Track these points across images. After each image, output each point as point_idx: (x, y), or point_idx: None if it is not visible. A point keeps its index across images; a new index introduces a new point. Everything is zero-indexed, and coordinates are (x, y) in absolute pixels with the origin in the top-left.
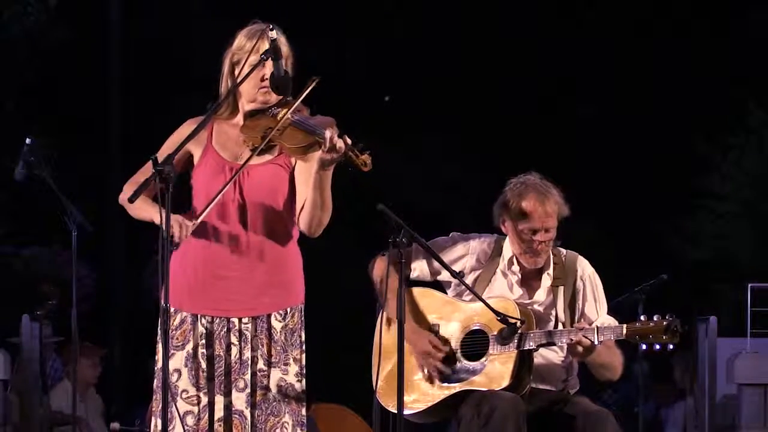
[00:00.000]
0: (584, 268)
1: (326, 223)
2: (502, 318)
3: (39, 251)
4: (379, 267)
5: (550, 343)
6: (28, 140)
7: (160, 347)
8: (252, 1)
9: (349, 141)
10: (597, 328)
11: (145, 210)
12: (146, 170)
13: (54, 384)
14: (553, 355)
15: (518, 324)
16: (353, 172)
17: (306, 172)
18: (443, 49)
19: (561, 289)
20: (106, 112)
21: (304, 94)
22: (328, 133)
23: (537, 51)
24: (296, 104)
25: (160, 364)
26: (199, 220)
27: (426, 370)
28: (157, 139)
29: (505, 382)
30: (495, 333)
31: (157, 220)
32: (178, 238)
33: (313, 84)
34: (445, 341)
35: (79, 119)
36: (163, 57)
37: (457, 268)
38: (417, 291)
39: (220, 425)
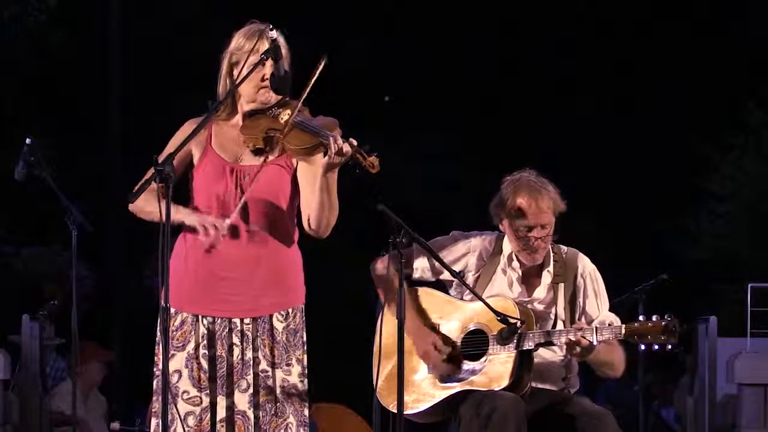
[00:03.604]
0: (585, 265)
1: (333, 224)
2: (502, 318)
3: (39, 251)
4: (381, 267)
5: (548, 343)
6: (28, 140)
7: (159, 348)
8: (252, 1)
9: (355, 143)
10: (596, 327)
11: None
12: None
13: (56, 384)
14: (553, 355)
15: (518, 324)
16: (360, 174)
17: (309, 174)
18: (443, 49)
19: (561, 286)
20: (106, 112)
21: (315, 77)
22: (333, 137)
23: (537, 51)
24: (304, 95)
25: (160, 365)
26: (230, 220)
27: (429, 368)
28: (157, 139)
29: (505, 382)
30: (495, 333)
31: (187, 222)
32: (215, 239)
33: (322, 64)
34: (448, 341)
35: (79, 119)
36: (163, 57)
37: (459, 266)
38: (418, 291)
39: (222, 426)
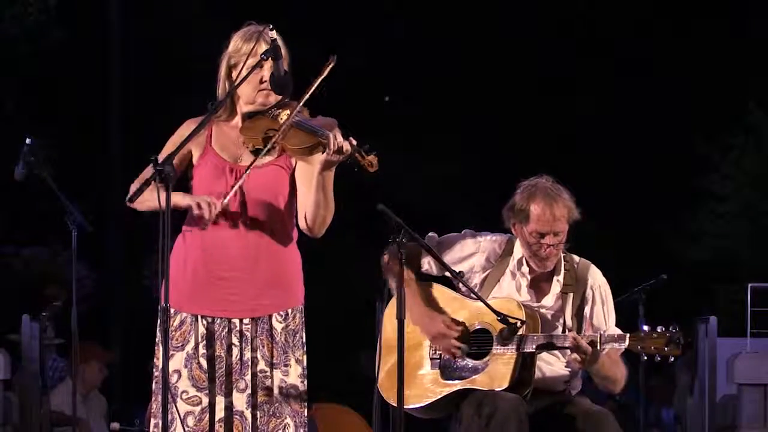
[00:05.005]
0: (596, 278)
1: (329, 223)
2: (502, 318)
3: (39, 251)
4: (387, 260)
5: (551, 346)
6: (28, 140)
7: (159, 348)
8: (251, 2)
9: (354, 142)
10: (600, 334)
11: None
12: (150, 170)
13: (55, 384)
14: (556, 360)
15: (518, 324)
16: (358, 173)
17: (307, 173)
18: (443, 49)
19: (570, 296)
20: (106, 112)
21: (324, 75)
22: (332, 136)
23: (537, 51)
24: (307, 95)
25: (159, 365)
26: (227, 199)
27: (443, 354)
28: (157, 139)
29: (507, 383)
30: (497, 333)
31: (182, 204)
32: (208, 216)
33: (331, 64)
34: (459, 323)
35: (79, 119)
36: (163, 57)
37: (466, 265)
38: (427, 285)
39: (220, 426)
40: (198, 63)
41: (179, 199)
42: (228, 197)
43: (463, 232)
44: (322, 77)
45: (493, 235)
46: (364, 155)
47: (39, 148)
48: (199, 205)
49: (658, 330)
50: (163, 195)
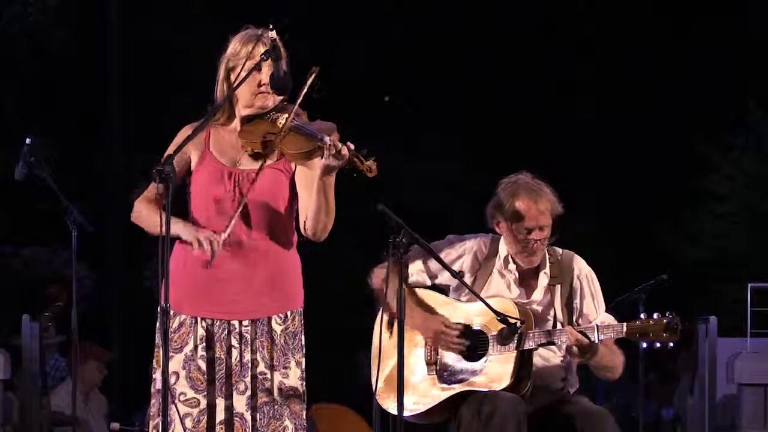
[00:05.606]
0: (581, 267)
1: (330, 227)
2: (502, 318)
3: (39, 251)
4: (378, 274)
5: (549, 343)
6: (28, 140)
7: (158, 349)
8: (251, 2)
9: (352, 147)
10: (597, 326)
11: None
12: (153, 189)
13: (56, 384)
14: (552, 355)
15: (518, 324)
16: (357, 178)
17: (307, 177)
18: (443, 49)
19: (558, 287)
20: (106, 112)
21: (307, 85)
22: (330, 140)
23: (537, 51)
24: (297, 103)
25: (158, 366)
26: (226, 234)
27: (441, 352)
28: (157, 139)
29: (506, 383)
30: (495, 333)
31: (183, 236)
32: (210, 253)
33: (314, 75)
34: (458, 323)
35: (79, 119)
36: (163, 57)
37: (455, 269)
38: (418, 292)
39: (221, 428)
40: (198, 63)
41: (180, 229)
42: (228, 230)
43: (446, 238)
44: (307, 87)
45: (476, 236)
46: (362, 160)
47: (39, 148)
48: (199, 242)
49: (655, 317)
50: (163, 215)
